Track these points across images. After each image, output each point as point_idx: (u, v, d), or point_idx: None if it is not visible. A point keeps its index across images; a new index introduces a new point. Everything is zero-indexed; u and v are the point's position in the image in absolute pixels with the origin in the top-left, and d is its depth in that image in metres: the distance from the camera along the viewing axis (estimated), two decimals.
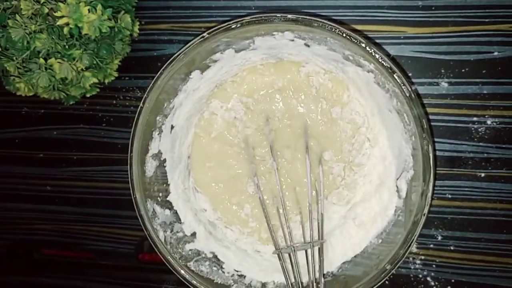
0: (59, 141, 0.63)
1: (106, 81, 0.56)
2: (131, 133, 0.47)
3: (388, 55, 0.54)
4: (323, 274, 0.50)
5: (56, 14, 0.47)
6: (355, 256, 0.50)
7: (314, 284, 0.48)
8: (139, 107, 0.47)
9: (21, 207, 0.65)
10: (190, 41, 0.45)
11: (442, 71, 0.53)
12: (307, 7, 0.55)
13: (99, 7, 0.48)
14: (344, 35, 0.42)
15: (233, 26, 0.44)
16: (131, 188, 0.47)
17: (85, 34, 0.48)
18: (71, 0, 0.47)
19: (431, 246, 0.56)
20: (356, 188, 0.53)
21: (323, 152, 0.53)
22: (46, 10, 0.48)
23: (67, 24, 0.47)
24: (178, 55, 0.45)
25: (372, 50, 0.41)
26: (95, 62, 0.52)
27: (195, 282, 0.48)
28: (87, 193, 0.63)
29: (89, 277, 0.65)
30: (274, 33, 0.46)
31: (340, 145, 0.53)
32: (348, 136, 0.53)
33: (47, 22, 0.49)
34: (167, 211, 0.52)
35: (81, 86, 0.53)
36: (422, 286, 0.56)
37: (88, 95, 0.56)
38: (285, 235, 0.51)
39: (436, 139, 0.54)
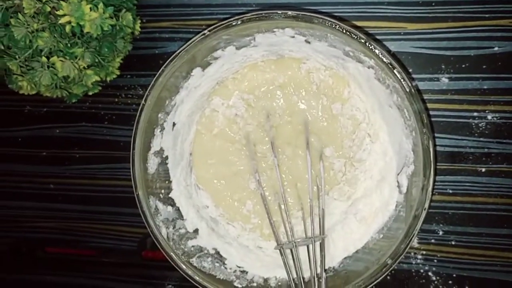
0: (62, 139, 0.63)
1: (108, 79, 0.56)
2: (133, 131, 0.47)
3: (388, 51, 0.54)
4: (325, 269, 0.50)
5: (58, 12, 0.47)
6: (356, 252, 0.51)
7: (316, 279, 0.48)
8: (141, 104, 0.47)
9: (24, 205, 0.66)
10: (191, 38, 0.46)
11: (443, 66, 0.53)
12: (308, 4, 0.55)
13: (101, 5, 0.48)
14: (344, 31, 0.42)
15: (233, 23, 0.44)
16: (133, 185, 0.48)
17: (87, 33, 0.49)
18: None
19: (432, 241, 0.56)
20: (357, 183, 0.53)
21: (324, 148, 0.53)
22: (48, 9, 0.48)
23: (69, 22, 0.48)
24: (179, 52, 0.46)
25: (372, 46, 0.42)
26: (97, 60, 0.52)
27: (197, 278, 0.48)
28: (89, 191, 0.64)
29: (92, 274, 0.65)
30: (275, 30, 0.46)
31: (341, 141, 0.53)
32: (348, 132, 0.53)
33: (49, 20, 0.49)
34: (170, 208, 0.52)
35: (83, 84, 0.54)
36: (424, 281, 0.57)
37: (90, 93, 0.57)
38: (286, 231, 0.52)
39: (436, 135, 0.54)
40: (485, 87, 0.53)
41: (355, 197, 0.53)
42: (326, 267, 0.51)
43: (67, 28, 0.48)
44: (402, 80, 0.41)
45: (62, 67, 0.50)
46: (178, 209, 0.53)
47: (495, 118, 0.53)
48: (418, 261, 0.56)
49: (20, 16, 0.47)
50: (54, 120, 0.63)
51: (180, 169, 0.54)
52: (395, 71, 0.41)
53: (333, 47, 0.46)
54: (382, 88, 0.46)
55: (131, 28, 0.53)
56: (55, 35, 0.49)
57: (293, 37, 0.47)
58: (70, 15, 0.47)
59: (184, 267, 0.48)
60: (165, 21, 0.59)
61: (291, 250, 0.50)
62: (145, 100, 0.47)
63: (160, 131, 0.51)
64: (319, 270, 0.49)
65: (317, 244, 0.50)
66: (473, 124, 0.54)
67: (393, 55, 0.54)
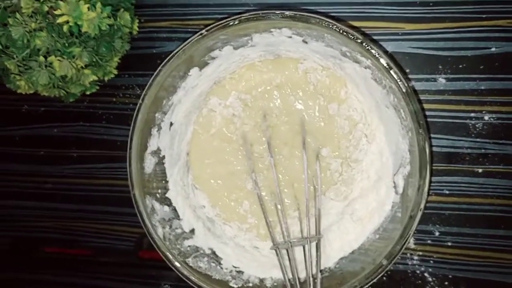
0: (60, 138, 0.63)
1: (106, 78, 0.56)
2: (130, 130, 0.47)
3: (385, 51, 0.54)
4: (320, 270, 0.50)
5: (56, 12, 0.47)
6: (352, 252, 0.51)
7: (311, 279, 0.48)
8: (138, 103, 0.47)
9: (22, 205, 0.66)
10: (189, 38, 0.46)
11: (440, 67, 0.54)
12: (305, 4, 0.55)
13: (99, 5, 0.48)
14: (341, 31, 0.42)
15: (230, 23, 0.44)
16: (130, 184, 0.48)
17: (85, 32, 0.49)
18: None
19: (429, 242, 0.56)
20: (354, 183, 0.53)
21: (320, 149, 0.53)
22: (46, 8, 0.48)
23: (67, 22, 0.48)
24: (177, 52, 0.46)
25: (369, 46, 0.42)
26: (94, 60, 0.52)
27: (193, 278, 0.48)
28: (87, 191, 0.64)
29: (89, 274, 0.65)
30: (272, 30, 0.46)
31: (338, 142, 0.53)
32: (345, 133, 0.53)
33: (47, 20, 0.49)
34: (166, 208, 0.52)
35: (81, 83, 0.54)
36: (420, 282, 0.57)
37: (88, 93, 0.57)
38: (282, 231, 0.52)
39: (433, 135, 0.54)
40: (482, 87, 0.53)
41: (352, 198, 0.53)
42: (322, 268, 0.51)
43: (65, 27, 0.48)
44: (398, 80, 0.42)
45: (59, 67, 0.50)
46: (174, 209, 0.53)
47: (492, 119, 0.53)
48: (414, 262, 0.56)
49: (18, 15, 0.47)
50: (51, 119, 0.63)
51: (177, 169, 0.54)
52: (391, 71, 0.42)
53: (330, 47, 0.46)
54: (379, 88, 0.46)
55: (129, 28, 0.53)
56: (53, 35, 0.49)
57: (290, 37, 0.47)
58: (68, 15, 0.47)
59: (180, 267, 0.48)
60: (163, 21, 0.59)
61: (287, 250, 0.50)
62: (142, 100, 0.47)
63: (157, 131, 0.51)
64: (314, 271, 0.49)
65: (313, 244, 0.50)
66: (470, 124, 0.54)
67: (390, 55, 0.54)
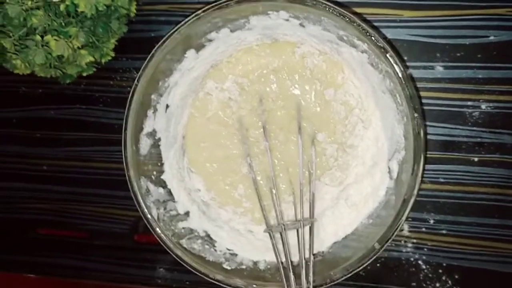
0: (56, 121, 0.63)
1: (103, 60, 0.56)
2: (126, 111, 0.47)
3: (384, 37, 0.54)
4: (314, 253, 0.50)
5: None
6: (345, 237, 0.51)
7: (304, 262, 0.48)
8: (134, 84, 0.47)
9: (17, 186, 0.66)
10: None
11: (438, 55, 0.53)
12: None
13: None
14: (337, 14, 0.42)
15: (227, 5, 0.44)
16: (125, 165, 0.48)
17: (82, 12, 0.48)
18: None
19: (423, 229, 0.56)
20: (349, 169, 0.53)
21: (316, 134, 0.53)
22: None
23: (64, 1, 0.48)
24: (172, 33, 0.45)
25: (365, 29, 0.41)
26: (91, 40, 0.52)
27: (186, 259, 0.48)
28: (83, 173, 0.64)
29: (84, 256, 0.65)
30: (269, 12, 0.46)
31: (334, 127, 0.53)
32: (341, 118, 0.53)
33: None
34: (161, 190, 0.52)
35: (78, 64, 0.53)
36: (414, 269, 0.57)
37: (84, 74, 0.57)
38: (277, 214, 0.52)
39: (430, 123, 0.54)
40: (480, 76, 0.53)
41: (347, 183, 0.53)
42: (315, 252, 0.51)
43: (62, 7, 0.48)
44: (394, 64, 0.41)
45: (56, 46, 0.50)
46: (169, 191, 0.53)
47: (489, 108, 0.53)
48: (409, 249, 0.56)
49: None
50: (49, 101, 0.63)
51: (173, 152, 0.54)
52: (387, 55, 0.41)
53: (327, 31, 0.46)
54: (375, 73, 0.46)
55: (126, 10, 0.53)
56: (50, 14, 0.49)
57: (288, 20, 0.47)
58: None
59: (173, 248, 0.48)
60: (162, 4, 0.58)
61: (281, 234, 0.50)
62: (138, 81, 0.47)
63: (153, 113, 0.51)
64: (307, 254, 0.49)
65: (307, 228, 0.50)
66: (467, 113, 0.54)
67: (388, 42, 0.54)
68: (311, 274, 0.47)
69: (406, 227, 0.56)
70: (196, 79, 0.53)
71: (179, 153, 0.55)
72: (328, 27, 0.46)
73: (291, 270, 0.48)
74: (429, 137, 0.55)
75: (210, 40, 0.49)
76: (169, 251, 0.48)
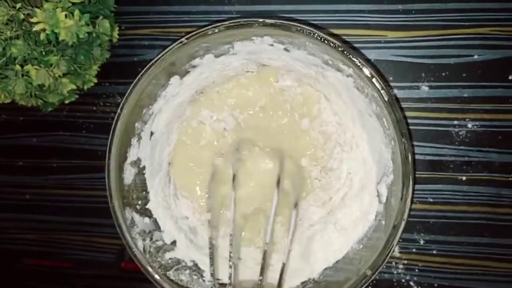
0: (39, 148, 0.62)
1: (85, 87, 0.55)
2: (109, 140, 0.46)
3: (367, 59, 0.54)
4: (304, 280, 0.49)
5: (32, 20, 0.46)
6: (336, 262, 0.50)
7: None
8: (117, 113, 0.46)
9: (1, 217, 0.64)
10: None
11: (423, 74, 0.53)
12: (288, 12, 0.55)
13: (77, 12, 0.47)
14: (322, 39, 0.41)
15: (211, 31, 0.43)
16: (108, 196, 0.47)
17: (63, 40, 0.48)
18: (47, 5, 0.46)
19: (414, 250, 0.56)
20: (331, 189, 0.53)
21: (300, 161, 0.53)
22: (22, 16, 0.47)
23: (44, 30, 0.47)
24: (156, 60, 0.45)
25: (350, 54, 0.41)
26: (73, 68, 0.51)
27: None
28: (67, 201, 0.62)
29: (71, 286, 0.64)
30: (253, 38, 0.46)
31: (314, 152, 0.53)
32: (320, 143, 0.53)
33: (23, 28, 0.48)
34: (147, 219, 0.51)
35: (59, 92, 0.52)
36: None
37: (66, 102, 0.56)
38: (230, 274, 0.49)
39: (417, 143, 0.54)
40: (465, 95, 0.53)
41: (333, 205, 0.53)
42: (306, 279, 0.50)
43: (42, 35, 0.47)
44: (380, 89, 0.41)
45: (36, 76, 0.49)
46: (155, 221, 0.52)
47: (475, 127, 0.53)
48: (400, 270, 0.56)
49: None
50: (31, 129, 0.62)
51: (158, 179, 0.53)
52: (373, 80, 0.41)
53: (312, 55, 0.46)
54: (361, 97, 0.46)
55: (108, 36, 0.52)
56: (30, 43, 0.48)
57: (272, 45, 0.46)
58: (45, 23, 0.46)
59: (161, 281, 0.47)
60: (144, 28, 0.58)
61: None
62: (121, 109, 0.46)
63: (137, 141, 0.50)
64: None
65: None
66: (453, 132, 0.54)
67: (372, 63, 0.53)
68: None
69: (396, 248, 0.56)
70: (181, 105, 0.52)
71: (165, 180, 0.54)
72: (312, 52, 0.45)
73: None
74: (416, 157, 0.54)
75: (194, 66, 0.49)
76: (156, 285, 0.47)
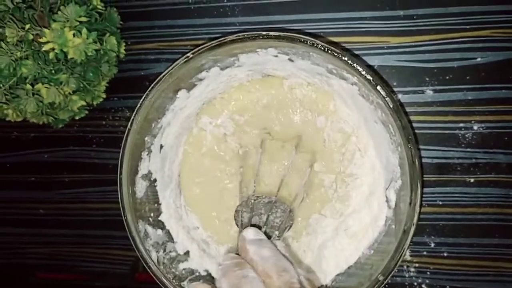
0: (50, 164, 0.63)
1: (95, 102, 0.56)
2: (120, 155, 0.47)
3: (370, 66, 0.54)
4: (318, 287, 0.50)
5: (41, 40, 0.48)
6: (348, 268, 0.50)
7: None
8: (127, 128, 0.47)
9: (15, 232, 0.65)
10: (177, 59, 0.46)
11: (427, 79, 0.54)
12: (291, 21, 0.55)
13: (84, 31, 0.48)
14: (325, 49, 0.42)
15: (216, 45, 0.44)
16: (121, 210, 0.47)
17: (71, 58, 0.49)
18: (55, 25, 0.47)
19: (424, 253, 0.56)
20: (349, 200, 0.53)
21: (313, 163, 0.53)
22: (31, 36, 0.48)
23: (53, 49, 0.48)
24: (163, 76, 0.46)
25: (354, 63, 0.42)
26: (82, 85, 0.52)
27: None
28: (80, 215, 0.63)
29: None
30: (258, 50, 0.46)
31: (330, 155, 0.53)
32: (338, 146, 0.53)
33: (32, 48, 0.49)
34: (159, 231, 0.52)
35: (69, 109, 0.54)
36: None
37: (77, 118, 0.57)
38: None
39: (423, 147, 0.55)
40: (470, 97, 0.53)
41: (346, 213, 0.53)
42: (319, 285, 0.51)
43: (51, 55, 0.48)
44: (385, 96, 0.41)
45: (47, 94, 0.50)
46: (168, 232, 0.53)
47: (481, 128, 0.54)
48: (411, 274, 0.56)
49: (3, 44, 0.47)
50: (42, 145, 0.63)
51: (169, 191, 0.54)
52: (377, 87, 0.42)
53: (316, 64, 0.47)
54: (366, 104, 0.46)
55: (115, 52, 0.53)
56: (39, 62, 0.49)
57: (276, 56, 0.47)
58: (54, 42, 0.47)
59: None
60: (150, 43, 0.59)
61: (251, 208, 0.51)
62: (131, 124, 0.47)
63: (147, 154, 0.50)
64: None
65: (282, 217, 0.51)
66: (460, 135, 0.54)
67: (375, 70, 0.54)
68: None
69: (407, 251, 0.56)
70: (189, 117, 0.53)
71: (176, 192, 0.55)
72: (317, 61, 0.46)
73: None
74: (424, 160, 0.55)
75: (200, 79, 0.49)
76: None
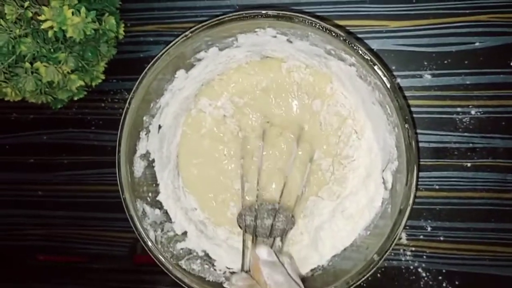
0: (49, 145, 0.63)
1: (93, 84, 0.56)
2: (118, 134, 0.47)
3: (370, 49, 0.54)
4: (313, 268, 0.50)
5: (40, 17, 0.47)
6: (344, 249, 0.51)
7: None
8: (125, 107, 0.47)
9: (13, 213, 0.66)
10: None
11: (425, 63, 0.54)
12: (290, 4, 0.55)
13: (83, 9, 0.48)
14: (324, 29, 0.42)
15: (214, 24, 0.44)
16: (120, 189, 0.48)
17: (70, 37, 0.49)
18: (54, 3, 0.47)
19: (421, 237, 0.56)
20: (346, 182, 0.53)
21: (312, 155, 0.53)
22: (30, 14, 0.48)
23: (52, 27, 0.48)
24: (162, 55, 0.46)
25: (352, 43, 0.42)
26: (80, 65, 0.52)
27: (186, 280, 0.48)
28: (78, 197, 0.64)
29: (83, 281, 0.65)
30: (257, 30, 0.46)
31: (326, 138, 0.53)
32: (334, 129, 0.53)
33: (31, 26, 0.49)
34: (157, 211, 0.52)
35: (68, 89, 0.54)
36: (414, 277, 0.57)
37: (75, 98, 0.57)
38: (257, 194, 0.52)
39: (421, 131, 0.55)
40: (468, 82, 0.54)
41: (343, 195, 0.53)
42: (315, 266, 0.51)
43: (50, 33, 0.48)
44: (382, 76, 0.42)
45: (46, 72, 0.50)
46: (166, 212, 0.53)
47: (478, 113, 0.54)
48: (407, 257, 0.57)
49: (1, 22, 0.47)
50: (41, 126, 0.63)
51: (168, 172, 0.54)
52: (375, 67, 0.42)
53: (314, 45, 0.47)
54: (364, 85, 0.46)
55: (114, 32, 0.53)
56: (38, 41, 0.49)
57: (275, 37, 0.47)
58: (52, 20, 0.47)
59: (173, 269, 0.48)
60: (149, 25, 0.59)
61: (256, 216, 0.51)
62: (129, 104, 0.47)
63: (145, 134, 0.51)
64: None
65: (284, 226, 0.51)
66: (457, 119, 0.54)
67: (374, 53, 0.54)
68: None
69: (404, 235, 0.56)
70: (187, 98, 0.53)
71: (174, 173, 0.55)
72: (315, 42, 0.46)
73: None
74: (421, 144, 0.55)
75: (199, 60, 0.49)
76: (169, 274, 0.48)
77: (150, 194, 0.52)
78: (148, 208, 0.51)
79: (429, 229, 0.56)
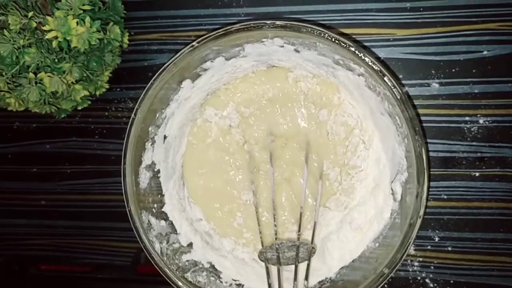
0: (52, 154, 0.63)
1: (97, 93, 0.56)
2: (124, 145, 0.47)
3: (378, 58, 0.54)
4: (321, 280, 0.49)
5: (44, 28, 0.47)
6: (353, 261, 0.50)
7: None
8: (131, 118, 0.46)
9: (16, 223, 0.65)
10: (180, 50, 0.45)
11: (433, 71, 0.53)
12: (296, 12, 0.55)
13: (88, 19, 0.48)
14: (332, 39, 0.42)
15: (222, 34, 0.44)
16: (125, 200, 0.47)
17: (74, 47, 0.48)
18: (59, 13, 0.47)
19: (429, 247, 0.56)
20: (354, 193, 0.53)
21: (321, 171, 0.53)
22: (34, 24, 0.48)
23: (56, 37, 0.47)
24: (168, 65, 0.45)
25: (362, 53, 0.41)
26: (85, 75, 0.52)
27: None
28: (82, 206, 0.63)
29: None
30: (264, 39, 0.46)
31: (333, 148, 0.53)
32: (341, 139, 0.52)
33: (35, 36, 0.48)
34: (163, 222, 0.51)
35: (72, 99, 0.53)
36: None
37: (79, 108, 0.56)
38: (275, 231, 0.51)
39: (429, 140, 0.54)
40: (476, 91, 0.53)
41: (350, 206, 0.53)
42: (323, 278, 0.50)
43: (54, 43, 0.48)
44: (392, 87, 0.41)
45: (50, 83, 0.50)
46: (171, 223, 0.52)
47: (486, 122, 0.53)
48: (415, 268, 0.56)
49: (5, 32, 0.47)
50: (44, 135, 0.63)
51: (173, 183, 0.53)
52: (385, 78, 0.41)
53: (322, 55, 0.46)
54: (373, 95, 0.46)
55: (119, 42, 0.53)
56: (42, 51, 0.49)
57: (282, 46, 0.47)
58: (57, 30, 0.47)
59: (179, 282, 0.47)
60: (153, 33, 0.58)
61: (278, 256, 0.49)
62: (135, 114, 0.46)
63: (151, 145, 0.50)
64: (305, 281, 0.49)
65: (305, 256, 0.50)
66: (465, 128, 0.54)
67: (382, 62, 0.54)
68: None
69: (411, 246, 0.56)
70: (193, 107, 0.53)
71: (179, 183, 0.54)
72: (323, 52, 0.45)
73: None
74: (429, 154, 0.54)
75: (205, 69, 0.49)
76: (174, 287, 0.47)
77: (155, 205, 0.51)
78: (153, 220, 0.50)
79: (437, 239, 0.56)
